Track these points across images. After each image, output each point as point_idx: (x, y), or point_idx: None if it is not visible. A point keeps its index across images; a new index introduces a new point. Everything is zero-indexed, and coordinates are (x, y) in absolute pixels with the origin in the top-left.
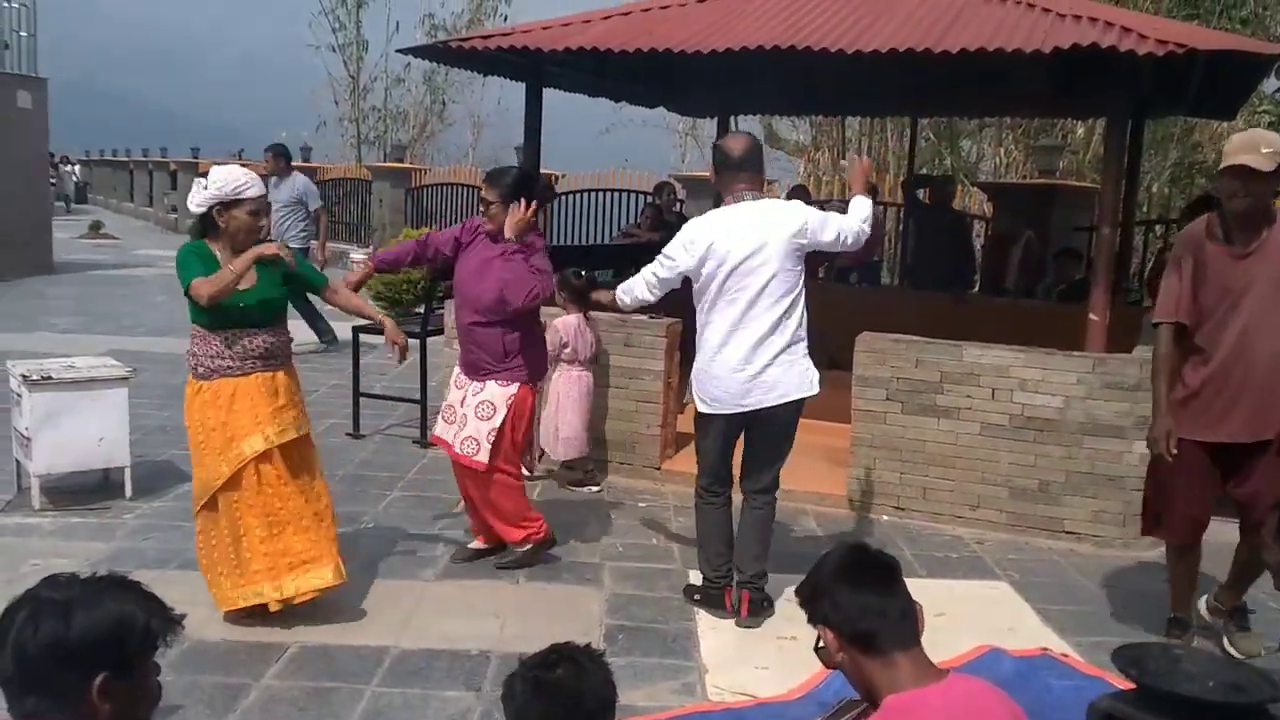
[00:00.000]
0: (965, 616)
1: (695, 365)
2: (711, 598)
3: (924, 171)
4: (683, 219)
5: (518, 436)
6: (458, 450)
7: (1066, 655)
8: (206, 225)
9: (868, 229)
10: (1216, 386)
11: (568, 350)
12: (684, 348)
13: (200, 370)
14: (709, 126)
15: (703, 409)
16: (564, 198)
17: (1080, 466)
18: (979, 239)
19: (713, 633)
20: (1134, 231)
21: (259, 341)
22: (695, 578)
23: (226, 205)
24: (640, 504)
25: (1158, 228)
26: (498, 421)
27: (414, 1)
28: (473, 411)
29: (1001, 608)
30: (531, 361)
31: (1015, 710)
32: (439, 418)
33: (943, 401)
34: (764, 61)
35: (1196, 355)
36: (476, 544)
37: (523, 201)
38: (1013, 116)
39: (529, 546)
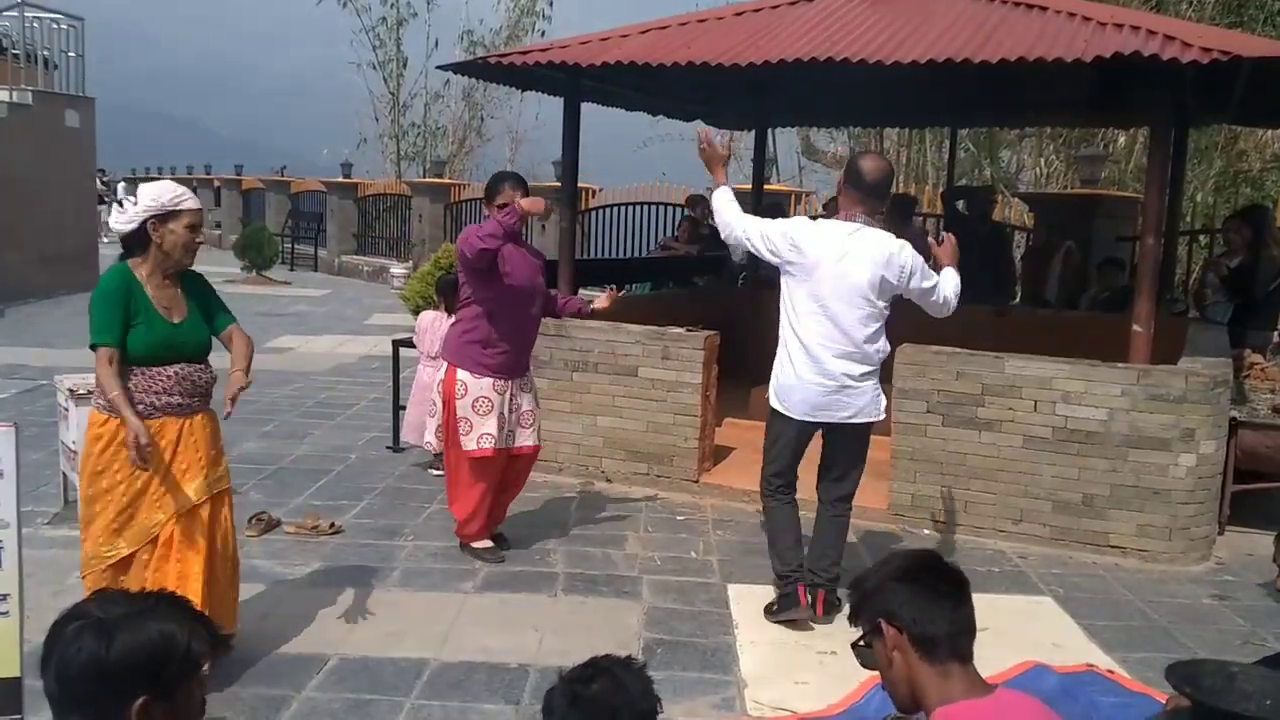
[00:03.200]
0: (1009, 632)
1: (776, 365)
2: (786, 597)
3: (963, 183)
4: (717, 232)
5: None
6: (539, 443)
7: (1112, 671)
8: (133, 244)
9: (955, 302)
10: None
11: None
12: (721, 360)
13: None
14: (746, 139)
15: (775, 405)
16: (601, 211)
17: (1125, 480)
18: (1019, 250)
19: (752, 647)
20: (1178, 242)
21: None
22: (734, 592)
23: (163, 218)
24: (679, 517)
25: (1202, 238)
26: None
27: (453, 18)
28: (534, 404)
29: (1045, 623)
30: None
31: None
32: (488, 432)
33: (984, 414)
34: (801, 73)
35: None
36: (488, 543)
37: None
38: (1053, 126)
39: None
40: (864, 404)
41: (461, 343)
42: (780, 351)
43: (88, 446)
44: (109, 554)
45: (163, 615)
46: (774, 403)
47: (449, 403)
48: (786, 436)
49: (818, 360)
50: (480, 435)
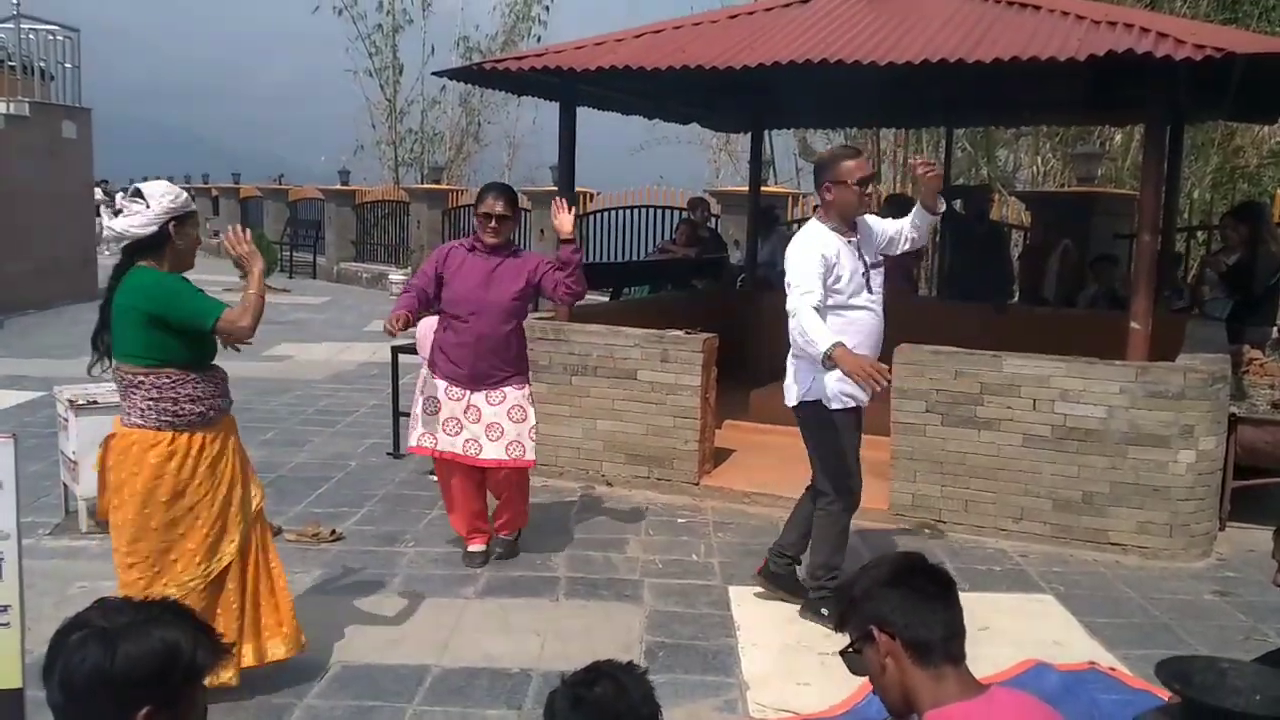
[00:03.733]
0: (1010, 630)
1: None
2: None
3: (960, 182)
4: (716, 234)
5: None
6: (506, 458)
7: (1114, 669)
8: (147, 247)
9: (795, 340)
10: None
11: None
12: (720, 363)
13: (182, 420)
14: (743, 141)
15: (846, 404)
16: (599, 215)
17: (1125, 477)
18: (1016, 248)
19: (754, 649)
20: (1175, 238)
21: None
22: (736, 594)
23: (181, 219)
24: (679, 520)
25: (1200, 234)
26: (532, 419)
27: (449, 25)
28: (505, 418)
29: (1046, 621)
30: (526, 363)
31: None
32: (428, 431)
33: (983, 413)
34: (797, 75)
35: None
36: (478, 546)
37: (563, 200)
38: (1049, 125)
39: (518, 532)
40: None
41: (433, 340)
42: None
43: (153, 469)
44: (211, 569)
45: (167, 624)
46: (831, 402)
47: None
48: (851, 429)
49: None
50: (421, 434)
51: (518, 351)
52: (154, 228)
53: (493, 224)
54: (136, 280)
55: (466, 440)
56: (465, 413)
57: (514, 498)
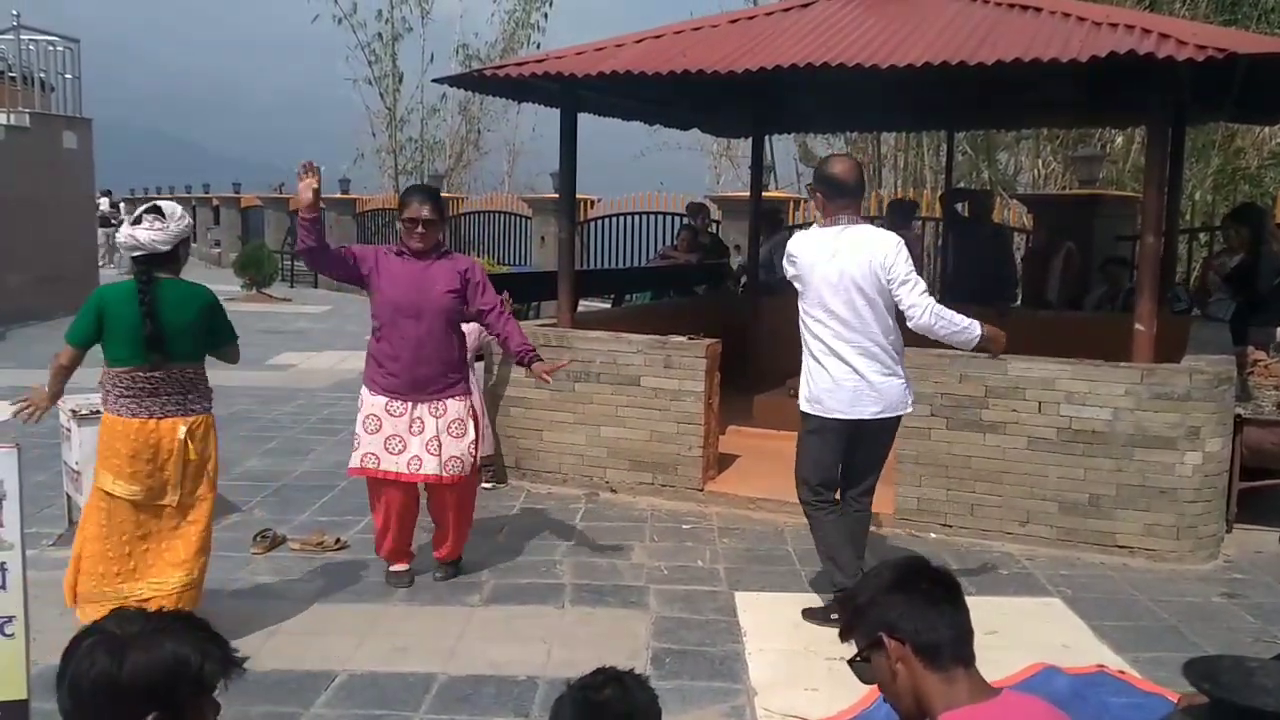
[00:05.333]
0: (1018, 634)
1: (804, 375)
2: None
3: (961, 185)
4: (717, 240)
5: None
6: (445, 474)
7: (1123, 672)
8: (161, 261)
9: (942, 334)
10: None
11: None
12: (724, 368)
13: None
14: (744, 147)
15: (811, 410)
16: (600, 222)
17: (1131, 479)
18: (1019, 251)
19: (760, 655)
20: (1178, 240)
21: None
22: (742, 600)
23: (185, 241)
24: (684, 526)
25: (1202, 236)
26: (472, 434)
27: (448, 33)
28: (445, 432)
29: (1054, 624)
30: (467, 369)
31: None
32: (371, 452)
33: (988, 416)
34: (797, 80)
35: None
36: (403, 565)
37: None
38: (1050, 128)
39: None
40: (894, 399)
41: (367, 356)
42: (806, 361)
43: (215, 441)
44: None
45: (177, 635)
46: (809, 409)
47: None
48: (824, 440)
49: (843, 359)
50: (364, 454)
51: (459, 355)
52: (170, 245)
53: (419, 229)
54: (186, 292)
55: (410, 458)
56: (410, 427)
57: (457, 521)
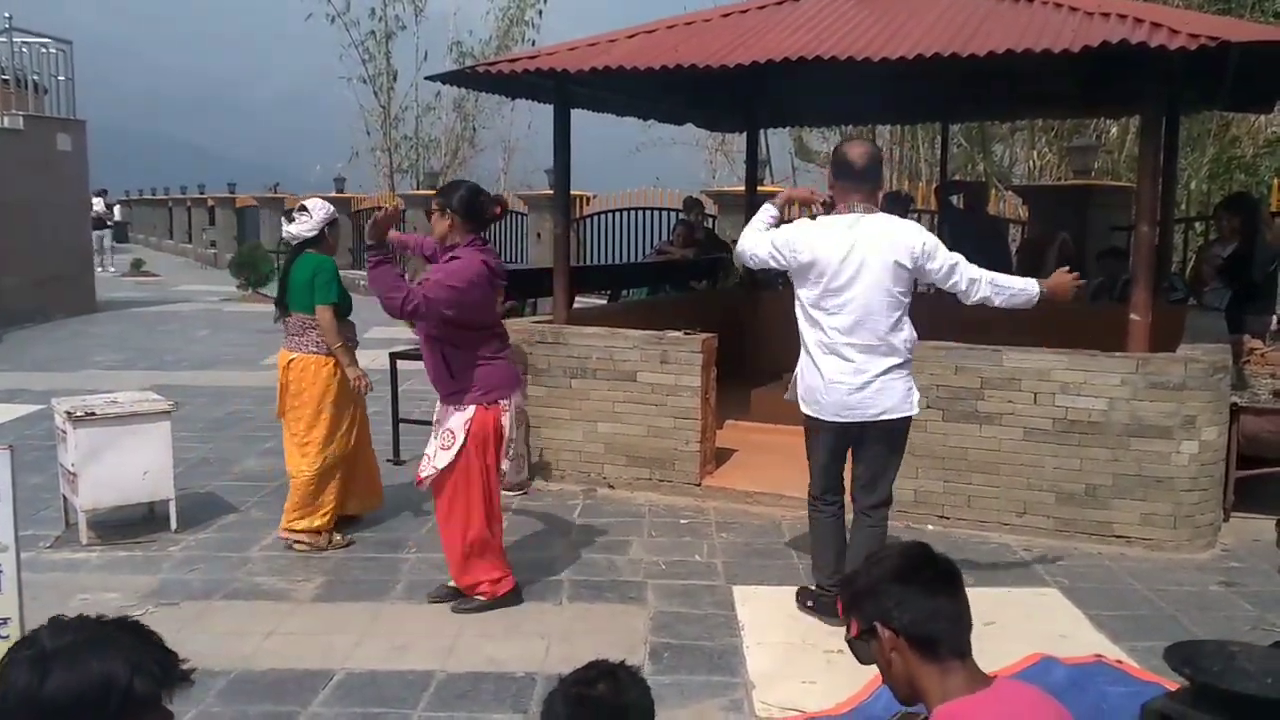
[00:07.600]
0: (1015, 624)
1: (800, 370)
2: (824, 605)
3: (956, 177)
4: (712, 234)
5: (489, 461)
6: (421, 475)
7: (1121, 661)
8: (308, 244)
9: (1000, 302)
10: None
11: None
12: (720, 363)
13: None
14: (739, 141)
15: (805, 411)
16: (595, 218)
17: (1127, 469)
18: (1014, 243)
19: (759, 648)
20: (1173, 229)
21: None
22: (740, 594)
23: (331, 225)
24: (682, 521)
25: (1197, 225)
26: (455, 449)
27: (442, 30)
28: (434, 435)
29: (1052, 614)
30: (483, 380)
31: (1066, 717)
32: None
33: (984, 407)
34: (791, 73)
35: None
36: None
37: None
38: (1045, 118)
39: (479, 599)
40: (895, 400)
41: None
42: (802, 356)
43: (325, 380)
44: (347, 449)
45: (108, 649)
46: (805, 409)
47: None
48: (822, 441)
49: (844, 356)
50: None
51: (448, 370)
52: (315, 231)
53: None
54: (311, 260)
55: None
56: (435, 425)
57: (440, 531)
